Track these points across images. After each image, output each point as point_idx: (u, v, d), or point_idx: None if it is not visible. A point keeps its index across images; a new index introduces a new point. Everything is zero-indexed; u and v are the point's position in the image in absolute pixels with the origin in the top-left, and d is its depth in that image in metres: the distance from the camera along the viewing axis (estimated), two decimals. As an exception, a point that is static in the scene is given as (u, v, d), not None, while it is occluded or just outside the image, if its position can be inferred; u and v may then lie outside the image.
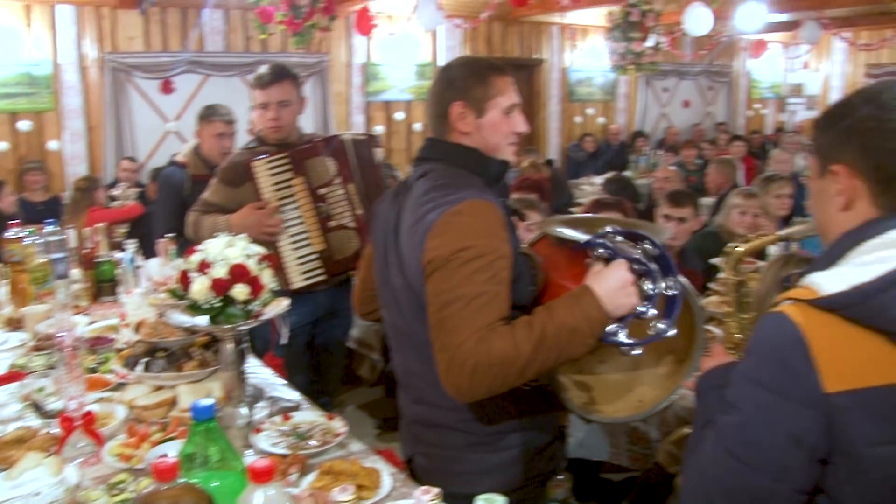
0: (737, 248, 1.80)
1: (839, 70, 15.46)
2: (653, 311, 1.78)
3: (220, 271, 2.01)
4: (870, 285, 1.21)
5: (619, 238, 1.83)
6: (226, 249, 2.06)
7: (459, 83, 1.95)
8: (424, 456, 2.10)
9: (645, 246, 1.82)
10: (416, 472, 2.13)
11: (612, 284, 1.75)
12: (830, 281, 1.26)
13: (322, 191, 3.33)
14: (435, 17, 8.00)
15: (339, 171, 3.35)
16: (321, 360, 3.71)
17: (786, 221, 5.50)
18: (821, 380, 1.22)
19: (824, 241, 1.45)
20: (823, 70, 15.69)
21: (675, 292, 1.81)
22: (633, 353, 1.79)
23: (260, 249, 2.15)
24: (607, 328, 1.76)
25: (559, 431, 2.16)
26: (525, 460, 2.01)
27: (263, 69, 3.42)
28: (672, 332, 1.79)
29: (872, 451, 1.22)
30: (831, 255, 1.35)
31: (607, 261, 1.80)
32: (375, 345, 4.97)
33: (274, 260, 2.25)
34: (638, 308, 1.77)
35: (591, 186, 8.99)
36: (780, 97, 15.97)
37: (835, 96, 15.33)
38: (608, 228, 1.84)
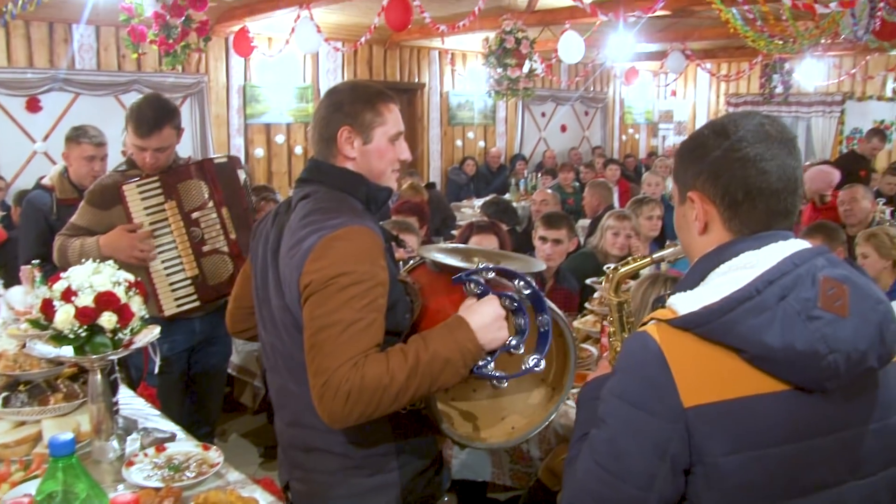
0: (617, 271, 1.87)
1: (704, 98, 16.33)
2: (523, 345, 1.84)
3: (86, 299, 1.94)
4: (717, 305, 1.29)
5: (492, 275, 1.87)
6: (92, 276, 1.99)
7: (348, 108, 1.96)
8: (301, 481, 2.08)
9: (518, 284, 1.87)
10: (292, 499, 2.11)
11: (486, 319, 1.79)
12: (686, 302, 1.35)
13: (195, 214, 3.25)
14: (314, 41, 7.96)
15: (212, 195, 3.28)
16: (199, 388, 3.60)
17: (657, 242, 5.74)
18: (680, 395, 1.29)
19: (690, 262, 1.52)
20: (690, 98, 16.53)
21: (547, 328, 1.87)
22: (501, 385, 1.87)
23: (128, 276, 2.09)
24: (480, 360, 1.80)
25: (439, 455, 2.17)
26: (403, 484, 2.01)
27: (142, 110, 3.21)
28: (541, 367, 1.86)
29: (726, 460, 1.29)
30: (693, 277, 1.44)
31: (480, 295, 1.84)
32: (257, 371, 4.87)
33: (143, 287, 2.18)
34: (509, 343, 1.83)
35: (471, 209, 9.12)
36: (651, 123, 16.71)
37: (701, 122, 16.18)
38: (482, 265, 1.87)
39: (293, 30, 8.07)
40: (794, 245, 1.37)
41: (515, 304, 1.83)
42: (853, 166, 8.36)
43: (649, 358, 1.33)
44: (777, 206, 1.40)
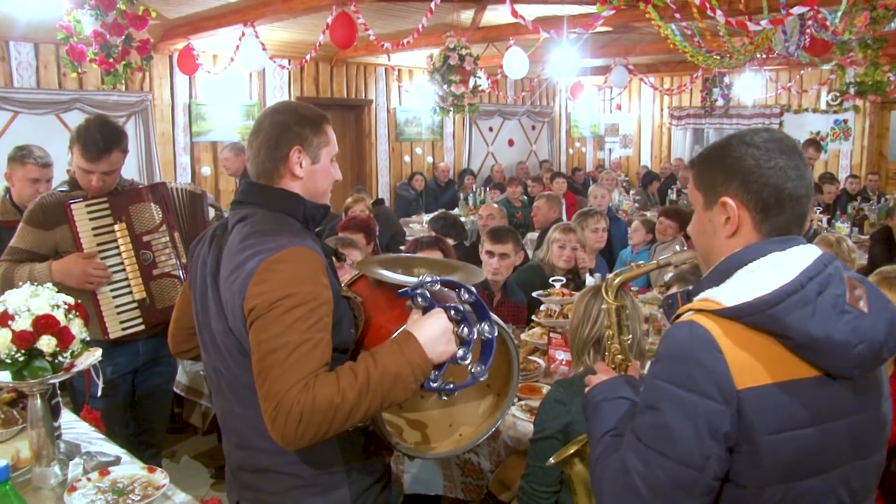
0: (616, 278, 1.91)
1: (648, 111, 16.64)
2: (469, 356, 1.87)
3: (23, 323, 1.92)
4: (768, 297, 1.41)
5: (437, 287, 1.90)
6: (30, 300, 1.97)
7: (297, 129, 1.98)
8: (251, 502, 2.07)
9: (461, 294, 1.90)
10: None
11: (434, 333, 1.82)
12: (731, 295, 1.46)
13: (146, 238, 3.22)
14: (259, 58, 7.94)
15: (165, 218, 3.25)
16: (145, 410, 3.55)
17: (602, 254, 5.84)
18: (733, 378, 1.40)
19: (706, 266, 1.65)
20: (635, 111, 16.82)
21: (491, 336, 1.90)
22: (450, 397, 1.91)
23: (68, 299, 2.06)
24: (430, 374, 1.83)
25: (386, 470, 2.18)
26: (353, 498, 2.02)
27: (90, 133, 3.12)
28: (485, 377, 1.90)
29: (769, 439, 1.41)
30: (720, 274, 1.55)
31: (426, 309, 1.87)
32: (205, 391, 4.82)
33: (83, 309, 2.15)
34: (457, 354, 1.85)
35: (419, 225, 9.15)
36: (597, 136, 16.97)
37: (646, 135, 16.50)
38: (426, 278, 1.89)
39: (238, 48, 8.04)
40: (812, 249, 1.52)
41: (460, 315, 1.85)
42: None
43: (702, 345, 1.42)
44: (799, 211, 1.54)
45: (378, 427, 1.97)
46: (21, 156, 3.92)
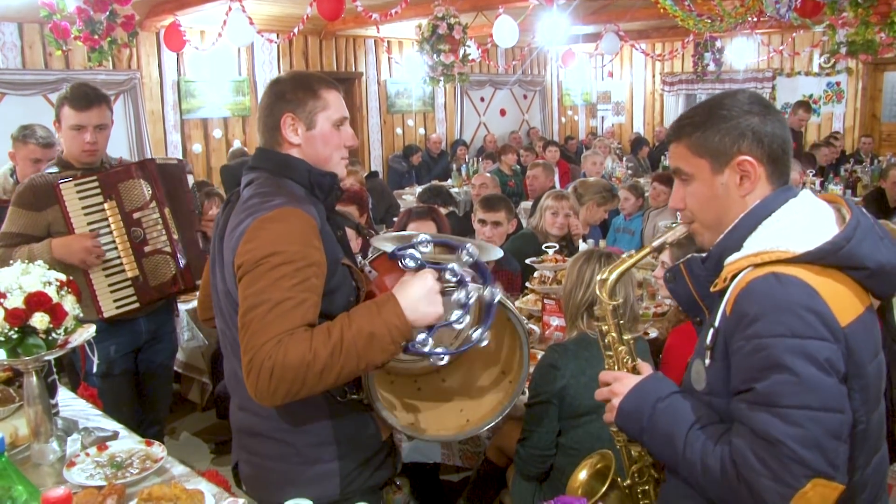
0: (610, 275, 1.75)
1: (640, 78, 16.56)
2: (466, 319, 1.80)
3: (15, 300, 1.92)
4: (842, 234, 1.47)
5: (428, 249, 1.86)
6: (21, 277, 1.96)
7: (290, 95, 1.99)
8: (247, 463, 2.10)
9: (462, 255, 1.85)
10: (240, 480, 2.14)
11: (415, 293, 1.78)
12: (795, 241, 1.48)
13: (136, 215, 3.20)
14: (247, 33, 7.87)
15: (155, 195, 3.24)
16: (148, 387, 3.56)
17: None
18: (836, 317, 1.43)
19: (713, 232, 1.63)
20: (627, 78, 16.74)
21: (491, 300, 1.85)
22: (440, 363, 1.82)
23: (59, 275, 2.06)
24: (418, 337, 1.79)
25: (385, 444, 2.17)
26: (343, 475, 2.03)
27: (77, 88, 3.20)
28: (485, 342, 1.82)
29: (869, 367, 1.48)
30: (740, 232, 1.57)
31: (416, 270, 1.84)
32: (203, 367, 4.84)
33: (75, 286, 2.15)
34: (450, 318, 1.80)
35: (412, 196, 9.14)
36: (590, 104, 16.89)
37: (639, 102, 16.45)
38: (421, 237, 1.86)
39: (225, 22, 7.97)
40: (807, 193, 1.60)
41: (457, 277, 1.80)
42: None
43: (800, 292, 1.43)
44: (790, 161, 1.63)
45: (371, 401, 1.96)
46: (24, 135, 3.92)
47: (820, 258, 1.46)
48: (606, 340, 1.79)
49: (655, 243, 1.78)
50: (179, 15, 8.49)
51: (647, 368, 1.78)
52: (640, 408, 1.62)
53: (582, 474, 1.84)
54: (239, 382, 2.01)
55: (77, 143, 3.19)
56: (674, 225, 5.24)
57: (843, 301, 1.46)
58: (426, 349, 1.79)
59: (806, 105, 9.68)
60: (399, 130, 12.71)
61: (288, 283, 1.73)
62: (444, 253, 1.92)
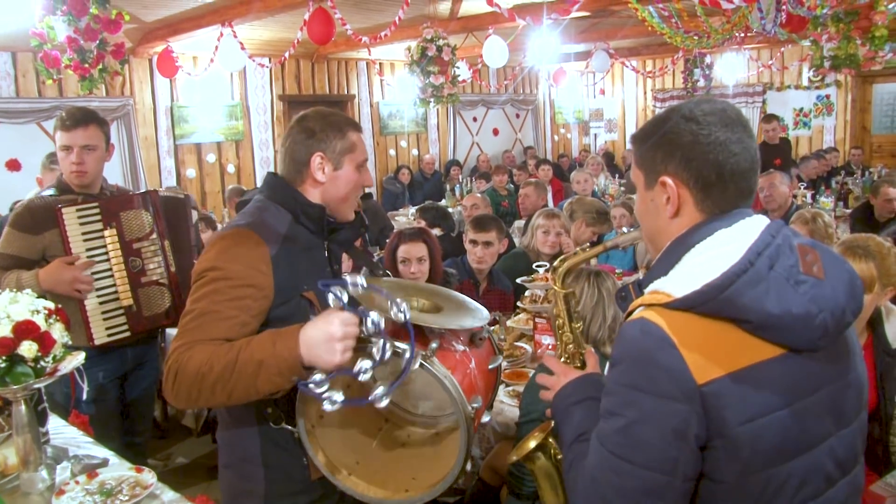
0: (562, 265, 1.82)
1: (632, 95, 16.65)
2: (369, 374, 1.67)
3: (3, 329, 1.93)
4: (717, 281, 1.33)
5: (361, 290, 1.74)
6: (9, 306, 1.97)
7: (321, 135, 2.03)
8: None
9: (392, 310, 1.69)
10: None
11: (316, 334, 1.70)
12: (679, 284, 1.38)
13: (136, 245, 3.20)
14: (238, 58, 7.92)
15: (156, 226, 3.25)
16: (133, 412, 3.56)
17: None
18: (692, 374, 1.32)
19: (653, 248, 1.57)
20: (619, 95, 16.83)
21: (403, 360, 1.68)
22: (330, 408, 1.68)
23: (48, 304, 2.07)
24: (315, 377, 1.69)
25: (313, 484, 2.08)
26: (268, 499, 2.05)
27: (69, 110, 3.23)
28: (384, 403, 1.67)
29: (742, 429, 1.33)
30: (668, 261, 1.46)
31: (340, 310, 1.73)
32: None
33: (63, 314, 2.16)
34: (355, 368, 1.66)
35: (406, 218, 9.16)
36: (582, 122, 16.97)
37: (631, 118, 16.53)
38: (350, 279, 1.73)
39: (217, 48, 8.03)
40: (760, 220, 1.44)
41: (374, 329, 1.66)
42: (765, 157, 8.64)
43: (655, 343, 1.35)
44: (744, 186, 1.45)
45: (300, 435, 1.91)
46: (51, 162, 4.00)
47: (693, 306, 1.35)
48: (556, 324, 1.85)
49: (609, 243, 1.79)
50: (172, 41, 8.55)
51: (592, 358, 1.81)
52: (560, 405, 1.67)
53: (531, 442, 1.82)
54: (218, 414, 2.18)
55: (65, 164, 3.19)
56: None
57: (714, 355, 1.34)
58: (318, 391, 1.68)
59: (771, 117, 9.74)
60: (392, 152, 12.76)
61: (219, 297, 1.82)
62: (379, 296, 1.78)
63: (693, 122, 1.44)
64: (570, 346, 1.83)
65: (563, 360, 1.86)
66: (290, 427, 1.96)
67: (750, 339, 1.36)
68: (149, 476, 2.22)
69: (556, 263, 1.83)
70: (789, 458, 1.37)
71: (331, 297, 1.71)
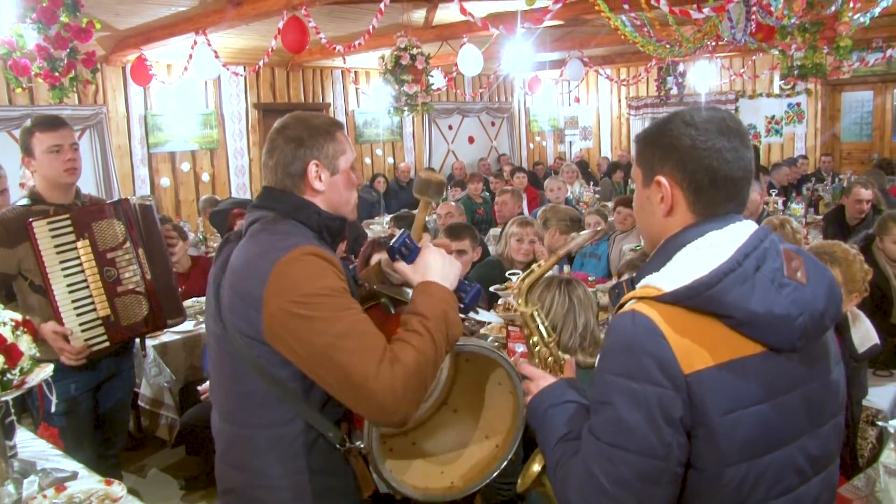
0: (524, 281, 1.81)
1: (606, 102, 16.78)
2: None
3: (-32, 342, 1.91)
4: (706, 278, 1.41)
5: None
6: (-26, 319, 1.95)
7: (310, 142, 1.93)
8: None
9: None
10: None
11: (437, 263, 1.87)
12: (670, 279, 1.46)
13: (110, 255, 3.17)
14: (212, 66, 7.90)
15: (129, 235, 3.23)
16: (107, 423, 3.53)
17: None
18: (679, 364, 1.39)
19: (648, 244, 1.66)
20: (593, 103, 16.96)
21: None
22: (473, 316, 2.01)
23: (14, 315, 2.06)
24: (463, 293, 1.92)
25: (363, 501, 2.07)
26: None
27: (42, 116, 3.26)
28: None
29: (723, 420, 1.40)
30: (661, 258, 1.54)
31: (408, 258, 1.90)
32: (171, 403, 4.80)
33: (31, 326, 2.14)
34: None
35: (380, 226, 9.15)
36: (557, 129, 17.06)
37: (605, 126, 16.66)
38: (404, 231, 1.93)
39: (191, 56, 8.00)
40: (749, 224, 1.52)
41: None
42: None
43: (645, 333, 1.41)
44: (735, 193, 1.53)
45: (371, 451, 1.90)
46: None
47: (679, 301, 1.43)
48: (530, 343, 1.84)
49: (562, 251, 1.82)
50: (145, 49, 8.52)
51: (570, 366, 1.83)
52: (537, 409, 1.69)
53: (535, 466, 1.84)
54: (220, 434, 2.00)
55: (57, 164, 3.18)
56: (637, 248, 5.29)
57: (699, 348, 1.41)
58: (473, 304, 1.94)
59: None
60: (368, 160, 12.75)
61: (344, 312, 1.72)
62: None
63: (693, 127, 1.51)
64: (550, 359, 1.82)
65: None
66: (359, 444, 1.92)
67: (733, 335, 1.43)
68: (118, 489, 2.21)
69: (515, 285, 1.84)
70: (765, 452, 1.43)
71: (403, 249, 1.90)
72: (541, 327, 1.80)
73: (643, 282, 1.52)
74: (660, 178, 1.55)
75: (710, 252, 1.45)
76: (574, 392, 1.70)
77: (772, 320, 1.41)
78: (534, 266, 1.82)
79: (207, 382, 4.44)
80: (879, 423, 3.29)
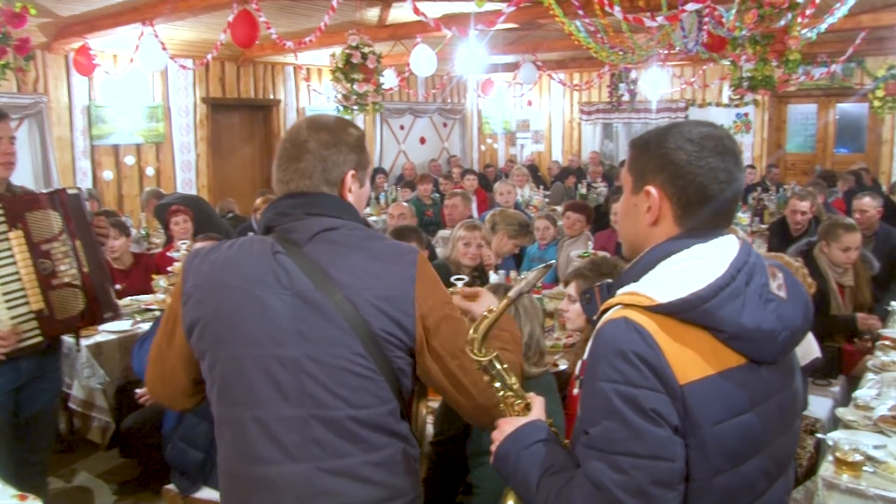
0: (479, 328, 1.67)
1: (559, 107, 16.88)
2: None
3: None
4: (702, 292, 1.42)
5: None
6: None
7: (348, 150, 1.85)
8: None
9: None
10: None
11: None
12: (660, 289, 1.45)
13: (45, 246, 3.07)
14: (159, 58, 7.73)
15: (66, 226, 3.11)
16: (30, 428, 3.37)
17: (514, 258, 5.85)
18: (674, 373, 1.39)
19: (629, 250, 1.65)
20: (546, 107, 17.04)
21: None
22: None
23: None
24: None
25: None
26: None
27: None
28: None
29: (713, 430, 1.41)
30: (643, 266, 1.54)
31: None
32: (104, 405, 4.65)
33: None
34: None
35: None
36: (509, 132, 17.11)
37: (557, 130, 16.75)
38: None
39: (137, 47, 7.80)
40: (732, 239, 1.53)
41: None
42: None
43: (641, 341, 1.40)
44: (721, 212, 1.54)
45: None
46: None
47: (673, 313, 1.43)
48: (494, 388, 1.71)
49: (512, 293, 1.69)
50: (89, 38, 8.29)
51: (538, 405, 1.70)
52: (508, 454, 1.60)
53: (510, 502, 1.76)
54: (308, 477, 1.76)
55: None
56: (585, 254, 5.29)
57: (692, 358, 1.42)
58: None
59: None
60: (318, 158, 12.58)
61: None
62: None
63: (690, 143, 1.51)
64: (518, 403, 1.70)
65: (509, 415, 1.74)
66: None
67: (720, 347, 1.45)
68: None
69: (469, 336, 1.68)
70: (746, 460, 1.46)
71: None
72: (502, 373, 1.69)
73: (627, 289, 1.50)
74: (650, 188, 1.55)
75: (698, 264, 1.47)
76: (543, 430, 1.61)
77: (759, 335, 1.45)
78: (484, 312, 1.69)
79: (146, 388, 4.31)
80: (819, 436, 3.32)
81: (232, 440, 1.80)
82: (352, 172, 1.85)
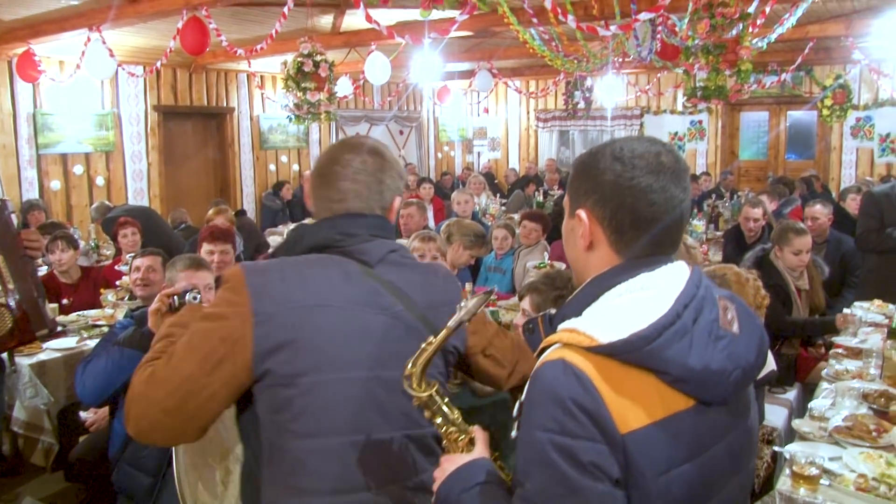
0: (416, 362, 1.58)
1: (515, 114, 16.92)
2: None
3: None
4: (645, 332, 1.29)
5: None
6: None
7: (400, 180, 1.92)
8: None
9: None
10: None
11: None
12: (601, 327, 1.32)
13: None
14: (107, 65, 7.54)
15: None
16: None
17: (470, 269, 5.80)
18: (615, 422, 1.27)
19: (575, 278, 1.54)
20: (502, 114, 17.07)
21: None
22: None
23: None
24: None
25: None
26: None
27: None
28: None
29: (658, 481, 1.30)
30: (585, 298, 1.42)
31: None
32: (48, 427, 4.49)
33: None
34: None
35: (283, 237, 8.94)
36: (466, 139, 17.10)
37: (514, 137, 16.80)
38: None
39: (84, 53, 7.60)
40: (681, 267, 1.41)
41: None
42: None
43: (579, 387, 1.29)
44: (661, 237, 1.41)
45: None
46: None
47: (614, 354, 1.31)
48: (436, 424, 1.62)
49: (452, 323, 1.58)
50: (34, 43, 8.06)
51: (481, 441, 1.60)
52: (448, 496, 1.51)
53: None
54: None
55: None
56: (541, 265, 5.24)
57: (634, 405, 1.30)
58: None
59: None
60: (272, 167, 12.45)
61: None
62: None
63: (619, 161, 1.40)
64: (461, 438, 1.62)
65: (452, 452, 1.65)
66: None
67: (666, 390, 1.33)
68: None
69: (408, 370, 1.59)
70: None
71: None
72: (443, 407, 1.61)
73: (568, 324, 1.38)
74: (580, 211, 1.44)
75: (641, 296, 1.35)
76: (483, 471, 1.52)
77: (707, 376, 1.33)
78: (423, 344, 1.60)
79: (90, 411, 4.14)
80: (776, 448, 3.32)
81: (318, 468, 1.71)
82: (398, 198, 1.90)
